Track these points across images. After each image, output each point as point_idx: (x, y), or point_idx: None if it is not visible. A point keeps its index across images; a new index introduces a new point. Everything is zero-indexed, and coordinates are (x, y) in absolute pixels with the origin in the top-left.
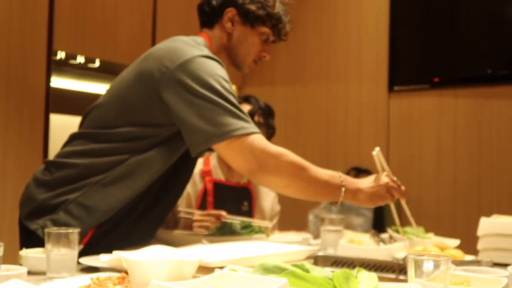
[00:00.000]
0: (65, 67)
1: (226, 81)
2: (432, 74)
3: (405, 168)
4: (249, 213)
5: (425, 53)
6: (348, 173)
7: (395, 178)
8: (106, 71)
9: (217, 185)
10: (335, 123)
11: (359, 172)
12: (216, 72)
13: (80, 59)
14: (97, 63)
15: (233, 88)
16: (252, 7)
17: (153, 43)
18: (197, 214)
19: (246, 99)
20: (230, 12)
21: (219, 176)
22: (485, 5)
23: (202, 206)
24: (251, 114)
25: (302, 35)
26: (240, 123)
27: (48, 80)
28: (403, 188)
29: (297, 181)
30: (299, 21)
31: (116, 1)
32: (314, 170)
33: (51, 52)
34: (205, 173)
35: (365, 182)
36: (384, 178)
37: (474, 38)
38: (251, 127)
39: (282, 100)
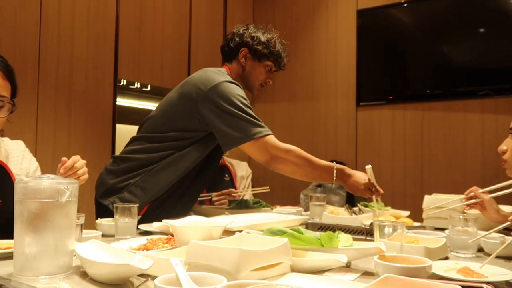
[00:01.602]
0: (126, 91)
1: (245, 98)
2: (387, 93)
3: (368, 161)
4: (232, 181)
5: (382, 79)
6: None
7: (375, 185)
8: (155, 93)
9: None
10: (318, 129)
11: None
12: (237, 93)
13: (137, 85)
14: (149, 88)
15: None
16: (259, 47)
17: (188, 72)
18: (214, 195)
19: None
20: (244, 51)
21: None
22: (425, 43)
23: None
24: None
25: (294, 66)
26: (257, 129)
27: (114, 100)
28: (381, 191)
29: (300, 169)
30: (292, 56)
31: (163, 43)
32: (315, 161)
33: (116, 80)
34: None
35: (355, 176)
36: (363, 183)
37: (417, 67)
38: (265, 130)
39: (280, 113)
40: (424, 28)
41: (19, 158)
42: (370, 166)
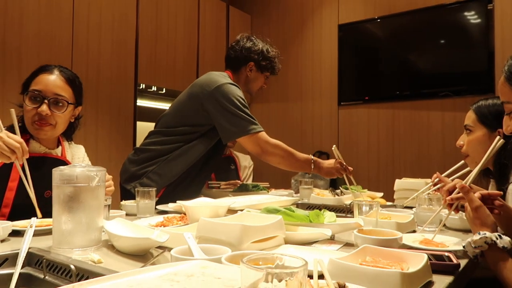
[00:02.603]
0: (144, 93)
1: (243, 99)
2: (364, 94)
3: (348, 151)
4: (236, 170)
5: (359, 82)
6: (313, 155)
7: (344, 163)
8: (169, 95)
9: None
10: (306, 125)
11: (321, 153)
12: (237, 93)
13: (154, 88)
14: (164, 90)
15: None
16: (263, 63)
17: (197, 77)
18: (222, 184)
19: None
20: (251, 64)
21: None
22: (395, 52)
23: None
24: None
25: (285, 72)
26: (252, 126)
27: (135, 101)
28: (351, 169)
29: (284, 161)
30: (284, 63)
31: (175, 53)
32: (296, 154)
33: (136, 84)
34: None
35: (326, 163)
36: (336, 164)
37: (388, 72)
38: (258, 127)
39: (274, 111)
40: (394, 39)
41: (80, 160)
42: (335, 146)
